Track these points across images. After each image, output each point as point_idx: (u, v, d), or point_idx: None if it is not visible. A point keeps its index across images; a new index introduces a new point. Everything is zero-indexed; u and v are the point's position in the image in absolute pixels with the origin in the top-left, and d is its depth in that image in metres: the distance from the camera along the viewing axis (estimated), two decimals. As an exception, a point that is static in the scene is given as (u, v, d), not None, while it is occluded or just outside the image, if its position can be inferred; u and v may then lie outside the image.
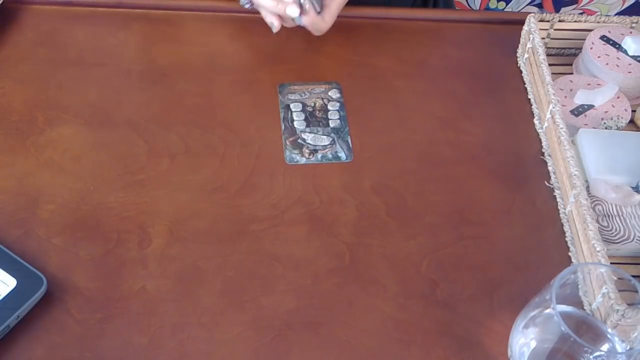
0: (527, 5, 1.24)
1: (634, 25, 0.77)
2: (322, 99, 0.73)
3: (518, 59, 0.79)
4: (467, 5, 1.30)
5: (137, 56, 0.77)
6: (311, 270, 0.60)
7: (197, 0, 0.83)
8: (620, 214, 0.62)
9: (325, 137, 0.69)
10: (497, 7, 1.20)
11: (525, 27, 0.77)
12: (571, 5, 1.05)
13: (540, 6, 1.08)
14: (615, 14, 1.05)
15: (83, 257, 0.60)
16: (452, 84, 0.76)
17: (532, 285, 0.59)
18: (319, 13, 0.72)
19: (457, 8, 1.08)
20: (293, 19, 0.72)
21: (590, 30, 0.76)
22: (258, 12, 0.74)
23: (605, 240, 0.59)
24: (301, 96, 0.73)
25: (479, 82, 0.77)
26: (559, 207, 0.65)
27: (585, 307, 0.55)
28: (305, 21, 0.71)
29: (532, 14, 0.75)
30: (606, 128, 0.69)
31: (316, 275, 0.60)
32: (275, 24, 0.73)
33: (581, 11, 1.02)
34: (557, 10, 1.06)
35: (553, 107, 0.67)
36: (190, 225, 0.63)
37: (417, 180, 0.67)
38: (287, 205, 0.65)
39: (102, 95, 0.73)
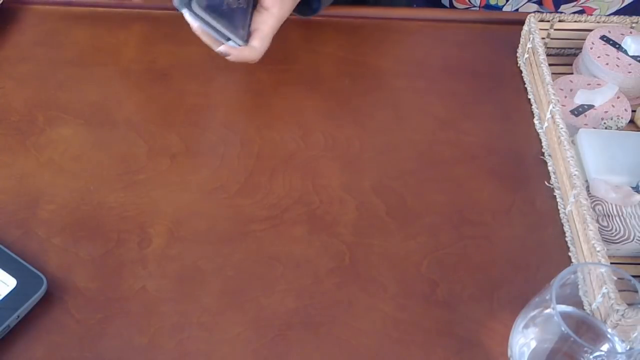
0: (526, 2, 1.24)
1: (634, 25, 0.77)
2: None
3: (518, 59, 0.79)
4: (467, 1, 1.29)
5: (137, 56, 0.77)
6: (311, 270, 0.60)
7: (197, 0, 0.83)
8: (620, 214, 0.62)
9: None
10: (497, 3, 1.20)
11: (525, 27, 0.77)
12: (570, 2, 1.05)
13: (539, 3, 1.08)
14: (615, 12, 1.05)
15: (83, 257, 0.60)
16: (452, 84, 0.77)
17: (532, 285, 0.59)
18: (246, 41, 0.67)
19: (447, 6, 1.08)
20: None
21: (590, 30, 0.76)
22: None
23: (605, 240, 0.59)
24: None
25: (479, 82, 0.77)
26: (559, 207, 0.65)
27: (585, 307, 0.55)
28: (230, 59, 0.67)
29: (532, 14, 0.75)
30: (606, 128, 0.69)
31: (316, 275, 0.60)
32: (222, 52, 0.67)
33: (580, 8, 1.02)
34: (557, 7, 1.06)
35: (553, 107, 0.67)
36: (190, 225, 0.63)
37: (417, 180, 0.67)
38: (287, 205, 0.65)
39: (102, 95, 0.73)
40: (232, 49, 0.67)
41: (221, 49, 0.67)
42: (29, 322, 0.56)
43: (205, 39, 0.68)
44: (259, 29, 0.68)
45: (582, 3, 1.03)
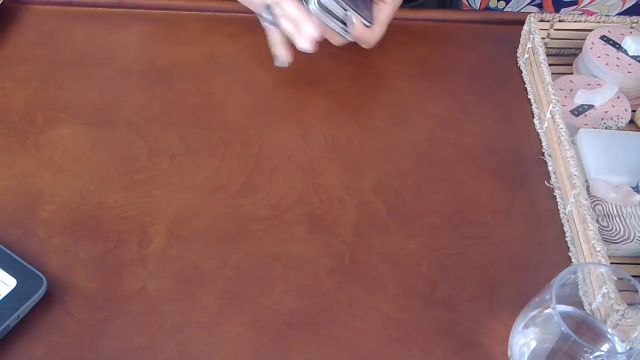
0: (527, 5, 1.24)
1: (634, 25, 0.77)
2: None
3: (518, 59, 0.79)
4: (467, 4, 1.30)
5: (137, 56, 0.77)
6: (311, 270, 0.60)
7: (197, 0, 0.83)
8: (620, 214, 0.62)
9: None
10: (497, 6, 1.20)
11: (525, 27, 0.77)
12: (571, 6, 1.05)
13: (540, 6, 1.08)
14: (615, 15, 1.05)
15: (83, 257, 0.60)
16: (452, 84, 0.77)
17: (532, 285, 0.59)
18: (369, 26, 0.72)
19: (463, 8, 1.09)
20: (342, 35, 0.71)
21: (590, 30, 0.76)
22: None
23: (605, 240, 0.59)
24: None
25: (479, 82, 0.77)
26: (559, 207, 0.65)
27: (585, 307, 0.55)
28: (353, 35, 0.71)
29: (532, 14, 0.75)
30: (606, 128, 0.69)
31: (316, 275, 0.60)
32: (281, 58, 0.72)
33: (581, 12, 1.02)
34: (557, 11, 1.06)
35: (553, 107, 0.67)
36: (190, 225, 0.63)
37: (417, 180, 0.67)
38: (287, 205, 0.65)
39: (102, 95, 0.73)
40: (360, 26, 0.71)
41: (353, 19, 0.70)
42: (29, 322, 0.56)
43: (329, 37, 0.73)
44: (376, 17, 0.73)
45: (582, 7, 1.03)
